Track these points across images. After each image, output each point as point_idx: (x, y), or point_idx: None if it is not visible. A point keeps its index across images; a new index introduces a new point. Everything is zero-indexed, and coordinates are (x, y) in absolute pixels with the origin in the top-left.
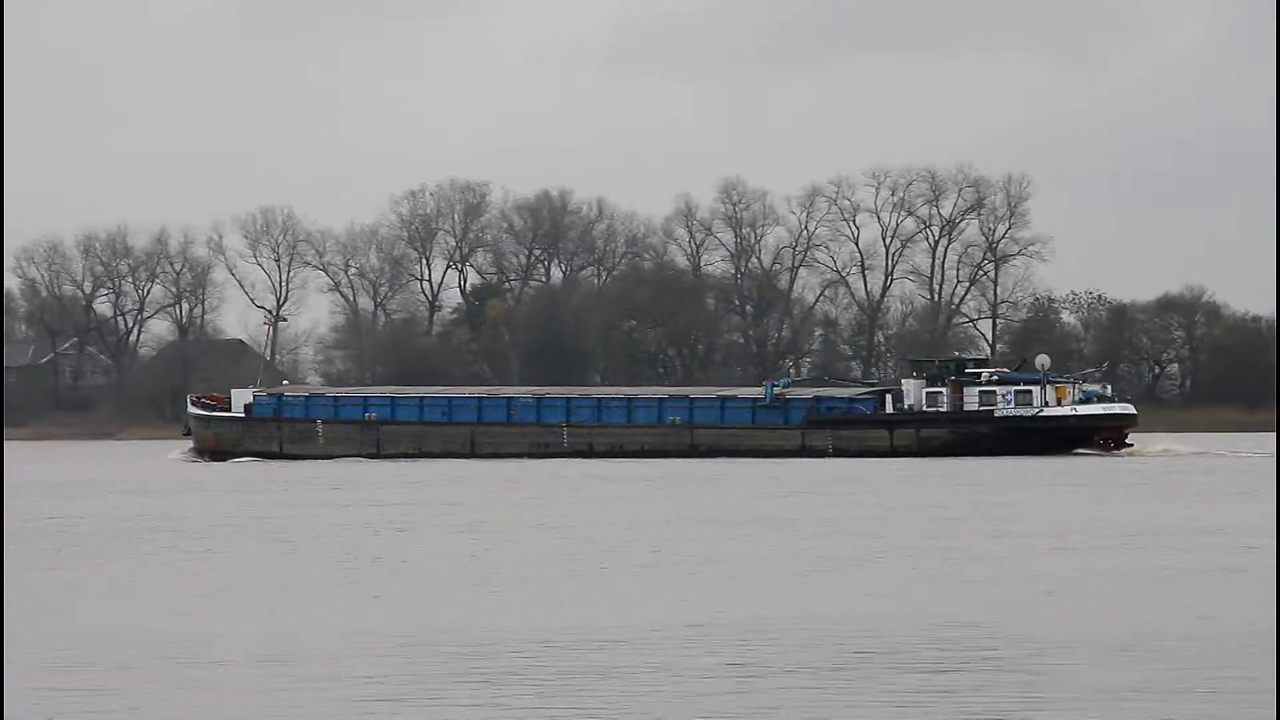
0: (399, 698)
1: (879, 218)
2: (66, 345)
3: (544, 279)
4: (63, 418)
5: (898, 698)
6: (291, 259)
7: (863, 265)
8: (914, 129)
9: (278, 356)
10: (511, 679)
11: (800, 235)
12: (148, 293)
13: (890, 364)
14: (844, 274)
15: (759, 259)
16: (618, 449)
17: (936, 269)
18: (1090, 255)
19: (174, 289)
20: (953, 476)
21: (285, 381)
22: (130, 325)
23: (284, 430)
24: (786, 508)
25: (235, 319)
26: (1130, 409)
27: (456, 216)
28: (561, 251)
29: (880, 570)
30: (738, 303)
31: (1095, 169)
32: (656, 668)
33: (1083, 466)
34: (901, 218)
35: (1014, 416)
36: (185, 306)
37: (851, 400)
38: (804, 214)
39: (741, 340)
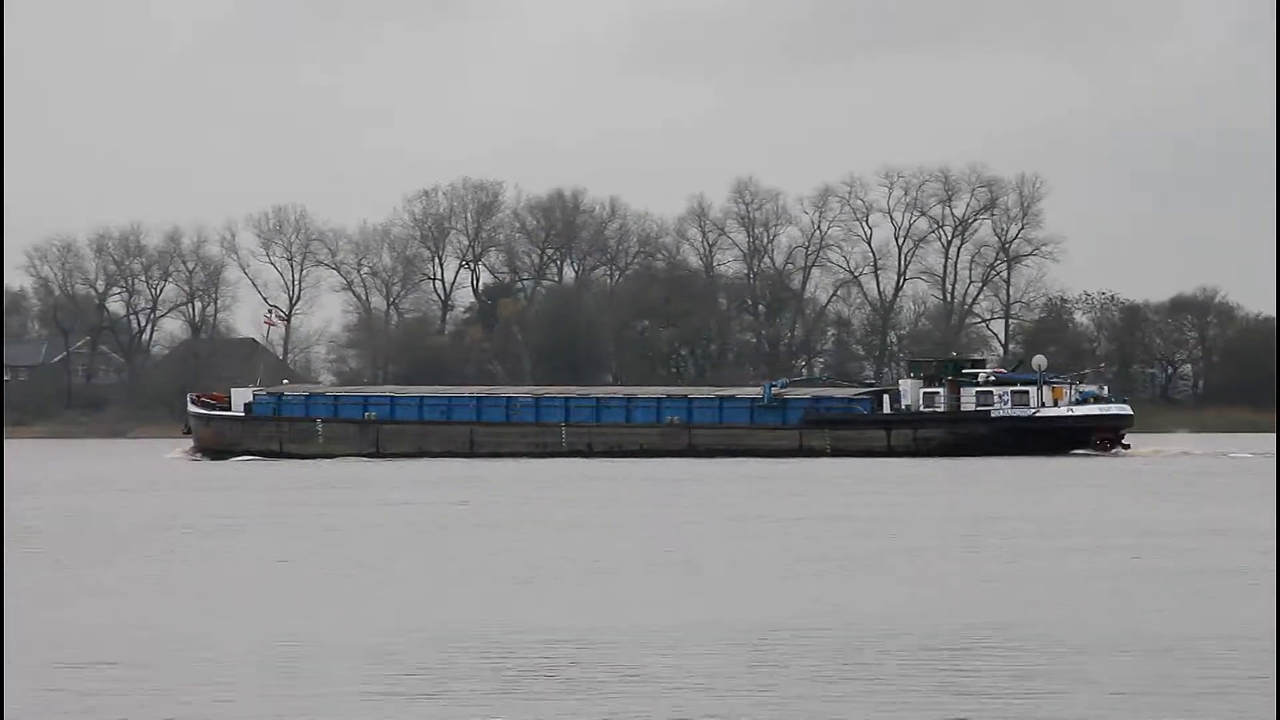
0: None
1: (892, 218)
2: (79, 344)
3: (556, 278)
4: (75, 416)
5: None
6: (304, 258)
7: (875, 265)
8: (926, 129)
9: (290, 355)
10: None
11: (813, 235)
12: (160, 291)
13: (902, 364)
14: (857, 274)
15: (772, 259)
16: (616, 449)
17: (949, 269)
18: (1103, 255)
19: (187, 288)
20: (971, 477)
21: (285, 381)
22: (143, 324)
23: (284, 429)
24: (844, 507)
25: (248, 318)
26: (1127, 409)
27: (469, 216)
28: (574, 251)
29: (928, 570)
30: (750, 303)
31: (1107, 169)
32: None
33: (1082, 466)
34: (914, 218)
35: (1011, 417)
36: (198, 305)
37: (849, 400)
38: (817, 214)
39: (754, 340)
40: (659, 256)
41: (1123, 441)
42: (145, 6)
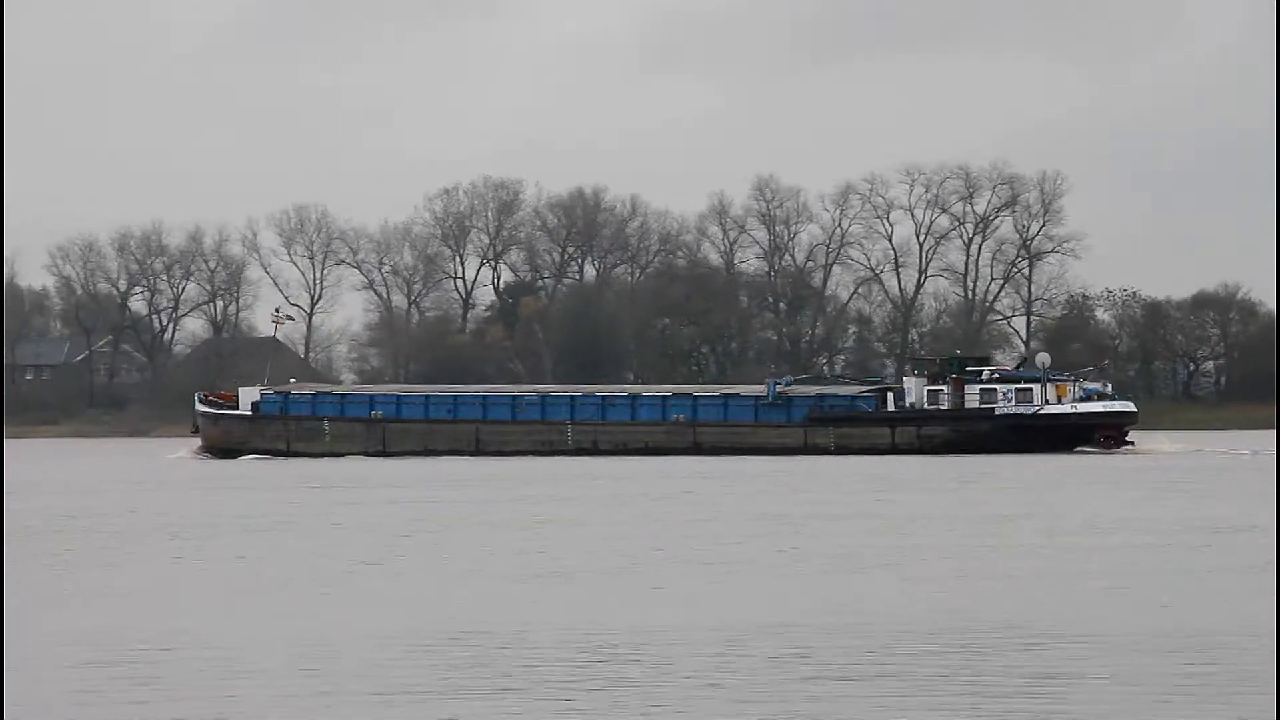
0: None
1: (913, 215)
2: (102, 343)
3: (578, 277)
4: (98, 415)
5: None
6: (325, 257)
7: (896, 263)
8: (947, 126)
9: (311, 354)
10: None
11: (834, 232)
12: (182, 290)
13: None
14: (878, 271)
15: (792, 256)
16: (621, 447)
17: (970, 266)
18: (1124, 252)
19: (208, 287)
20: (973, 475)
21: (292, 380)
22: (165, 323)
23: (291, 428)
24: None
25: (270, 317)
26: (1130, 407)
27: (490, 214)
28: (595, 249)
29: (957, 569)
30: (771, 300)
31: (1108, 169)
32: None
33: (1083, 464)
34: (935, 215)
35: (1014, 414)
36: (219, 304)
37: (854, 398)
38: (838, 211)
39: (775, 338)
40: (680, 254)
41: (1127, 439)
42: (145, 6)
